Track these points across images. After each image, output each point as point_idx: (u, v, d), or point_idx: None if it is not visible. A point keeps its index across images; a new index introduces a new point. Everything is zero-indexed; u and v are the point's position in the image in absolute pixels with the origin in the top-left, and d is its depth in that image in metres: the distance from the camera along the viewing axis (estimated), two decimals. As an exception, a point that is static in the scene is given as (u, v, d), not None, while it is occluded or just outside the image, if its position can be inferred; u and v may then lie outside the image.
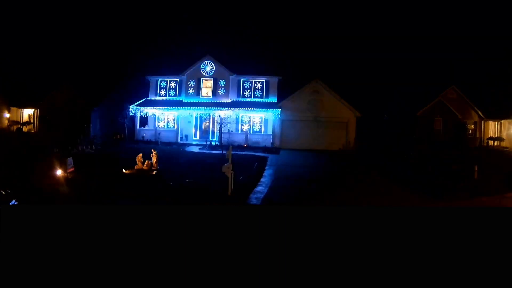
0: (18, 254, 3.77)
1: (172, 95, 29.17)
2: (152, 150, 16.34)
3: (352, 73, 41.80)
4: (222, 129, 25.44)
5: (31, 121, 28.95)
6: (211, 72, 28.02)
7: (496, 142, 30.16)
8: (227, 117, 26.26)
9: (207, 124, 28.54)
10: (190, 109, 27.55)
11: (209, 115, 27.75)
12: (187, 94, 28.36)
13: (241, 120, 27.53)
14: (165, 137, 27.50)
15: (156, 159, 15.94)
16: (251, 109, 26.95)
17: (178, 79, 28.91)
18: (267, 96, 28.02)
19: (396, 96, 33.19)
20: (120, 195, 12.09)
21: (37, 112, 28.93)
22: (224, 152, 17.80)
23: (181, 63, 29.16)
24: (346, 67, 43.44)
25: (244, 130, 27.41)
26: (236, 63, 29.05)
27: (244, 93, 28.28)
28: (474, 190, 13.60)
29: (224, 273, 3.75)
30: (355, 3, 63.45)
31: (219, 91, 27.97)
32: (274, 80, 28.02)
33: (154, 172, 15.48)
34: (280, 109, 26.65)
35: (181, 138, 28.00)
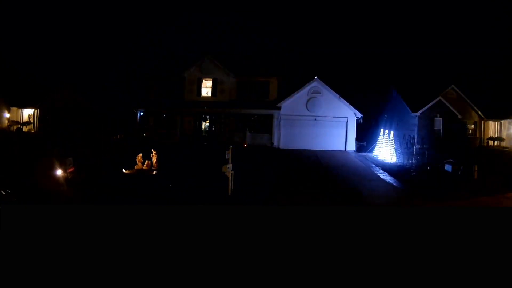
0: (18, 255, 3.77)
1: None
2: (152, 150, 16.32)
3: (352, 72, 41.80)
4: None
5: (31, 121, 28.93)
6: (211, 72, 28.02)
7: (496, 142, 30.11)
8: (227, 117, 26.24)
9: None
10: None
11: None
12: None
13: (241, 119, 27.54)
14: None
15: (156, 159, 15.93)
16: (250, 109, 26.91)
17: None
18: (266, 96, 28.02)
19: (396, 95, 33.11)
20: (120, 195, 12.08)
21: (37, 112, 28.92)
22: None
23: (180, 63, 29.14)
24: (346, 66, 43.44)
25: (243, 129, 27.40)
26: (236, 62, 29.02)
27: (244, 92, 28.28)
28: (474, 190, 13.59)
29: (224, 274, 3.75)
30: (354, 1, 63.49)
31: (219, 91, 27.98)
32: (273, 79, 28.04)
33: (154, 172, 15.47)
34: (279, 109, 26.65)
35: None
